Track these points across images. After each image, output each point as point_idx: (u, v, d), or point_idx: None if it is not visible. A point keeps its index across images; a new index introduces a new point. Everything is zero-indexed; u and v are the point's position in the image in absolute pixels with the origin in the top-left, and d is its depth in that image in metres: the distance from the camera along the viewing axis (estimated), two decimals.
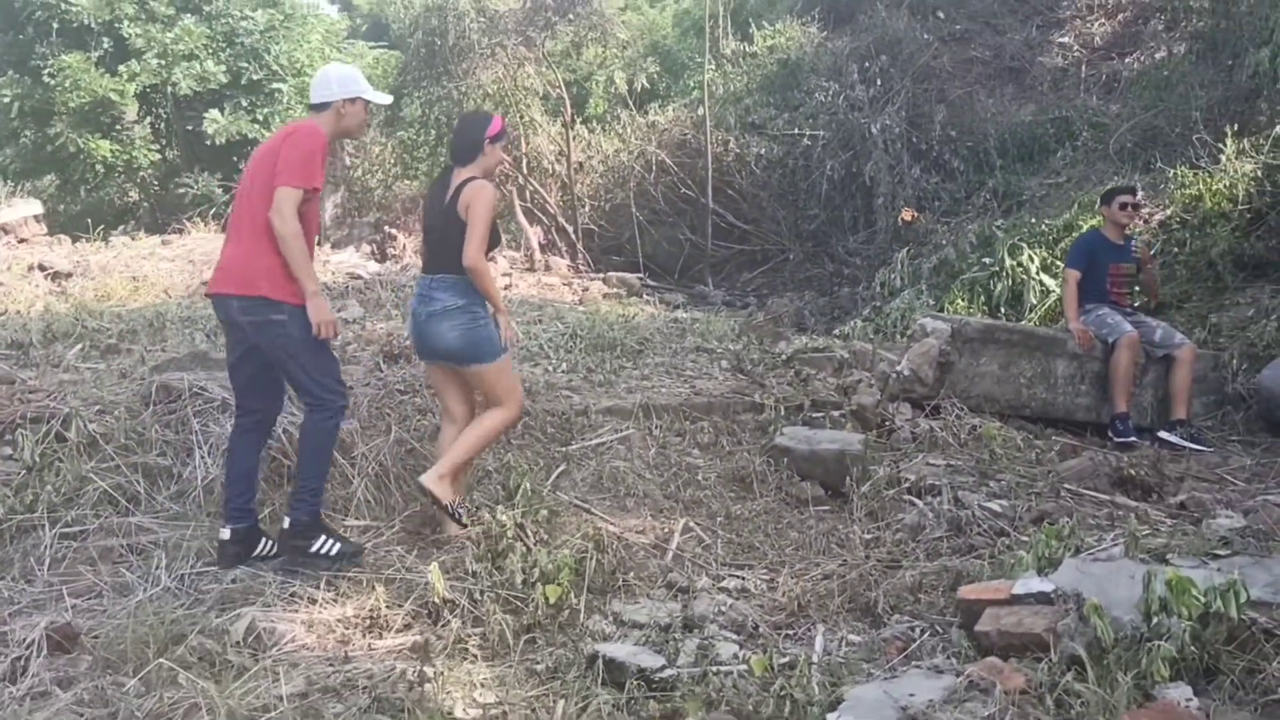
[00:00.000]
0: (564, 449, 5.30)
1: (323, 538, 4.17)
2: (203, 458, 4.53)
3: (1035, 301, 9.88)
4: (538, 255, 13.33)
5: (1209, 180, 10.39)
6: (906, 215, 11.74)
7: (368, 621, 3.71)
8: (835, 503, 5.17)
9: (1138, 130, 12.67)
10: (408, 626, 3.74)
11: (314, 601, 3.80)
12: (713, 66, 16.32)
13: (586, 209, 15.02)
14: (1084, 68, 15.48)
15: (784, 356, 6.98)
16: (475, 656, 3.60)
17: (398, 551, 4.28)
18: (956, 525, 4.75)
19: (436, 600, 3.80)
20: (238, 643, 3.45)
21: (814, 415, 5.96)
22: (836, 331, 11.01)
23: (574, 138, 15.14)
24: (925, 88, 14.69)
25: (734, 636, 3.81)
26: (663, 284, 14.67)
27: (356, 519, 4.55)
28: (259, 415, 4.35)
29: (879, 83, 14.55)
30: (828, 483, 5.25)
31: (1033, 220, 11.07)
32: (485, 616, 3.76)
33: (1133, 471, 5.40)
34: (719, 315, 9.31)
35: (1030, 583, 3.59)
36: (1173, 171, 10.86)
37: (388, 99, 4.96)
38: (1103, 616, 3.29)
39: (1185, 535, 4.52)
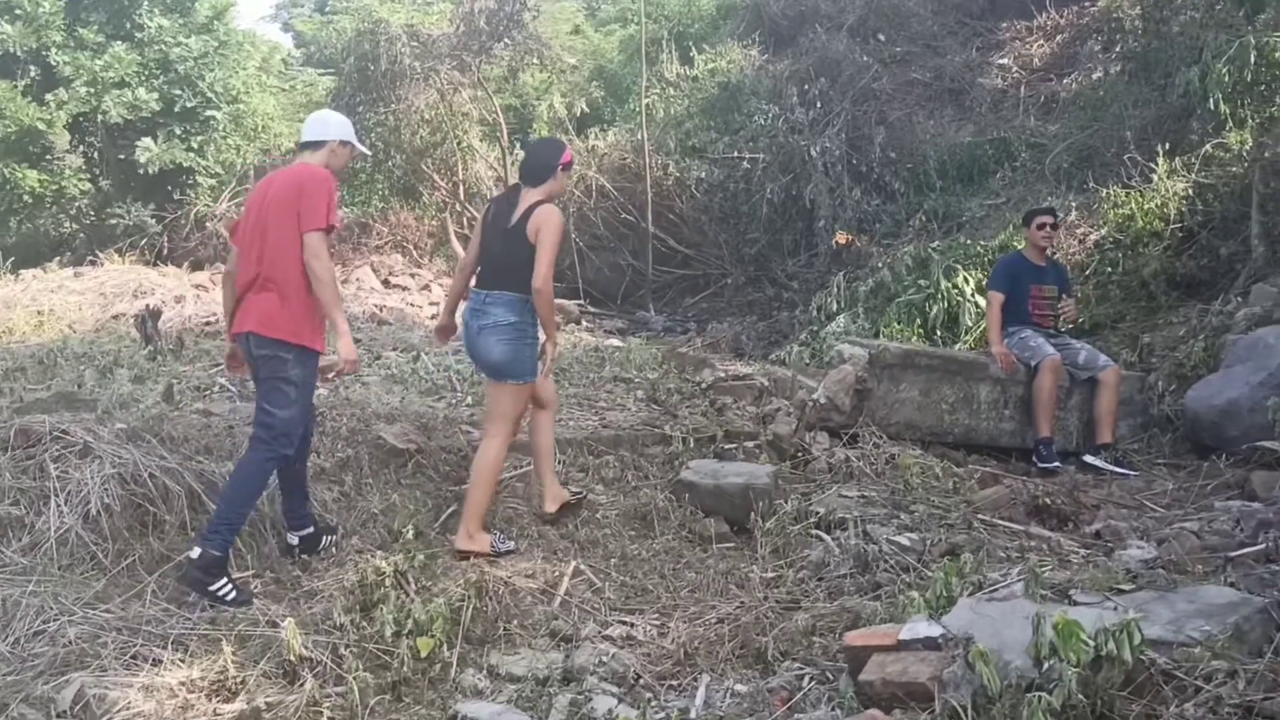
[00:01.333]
0: (457, 488, 5.06)
1: (224, 580, 4.16)
2: (59, 506, 4.25)
3: (971, 324, 9.77)
4: (472, 283, 13.09)
5: (1141, 200, 10.37)
6: (841, 238, 11.64)
7: (215, 684, 3.45)
8: (740, 540, 4.97)
9: (1074, 150, 12.67)
10: (261, 689, 3.48)
11: (157, 663, 3.54)
12: (656, 90, 16.22)
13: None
14: (1023, 89, 15.51)
15: (704, 385, 6.79)
16: None
17: (262, 605, 4.02)
18: (863, 561, 4.55)
19: (292, 659, 3.55)
20: (63, 713, 3.19)
21: (727, 446, 5.77)
22: (773, 356, 10.87)
23: (512, 163, 14.94)
24: (865, 110, 14.65)
25: (614, 689, 3.60)
26: (604, 310, 14.49)
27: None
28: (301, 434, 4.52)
29: (819, 105, 14.50)
30: (733, 519, 5.05)
31: (968, 242, 11.00)
32: (347, 674, 3.52)
33: (1048, 500, 5.24)
34: (647, 343, 9.12)
35: (918, 627, 3.40)
36: (1105, 191, 10.83)
37: (368, 152, 5.35)
38: (989, 663, 3.10)
39: (1096, 568, 4.37)
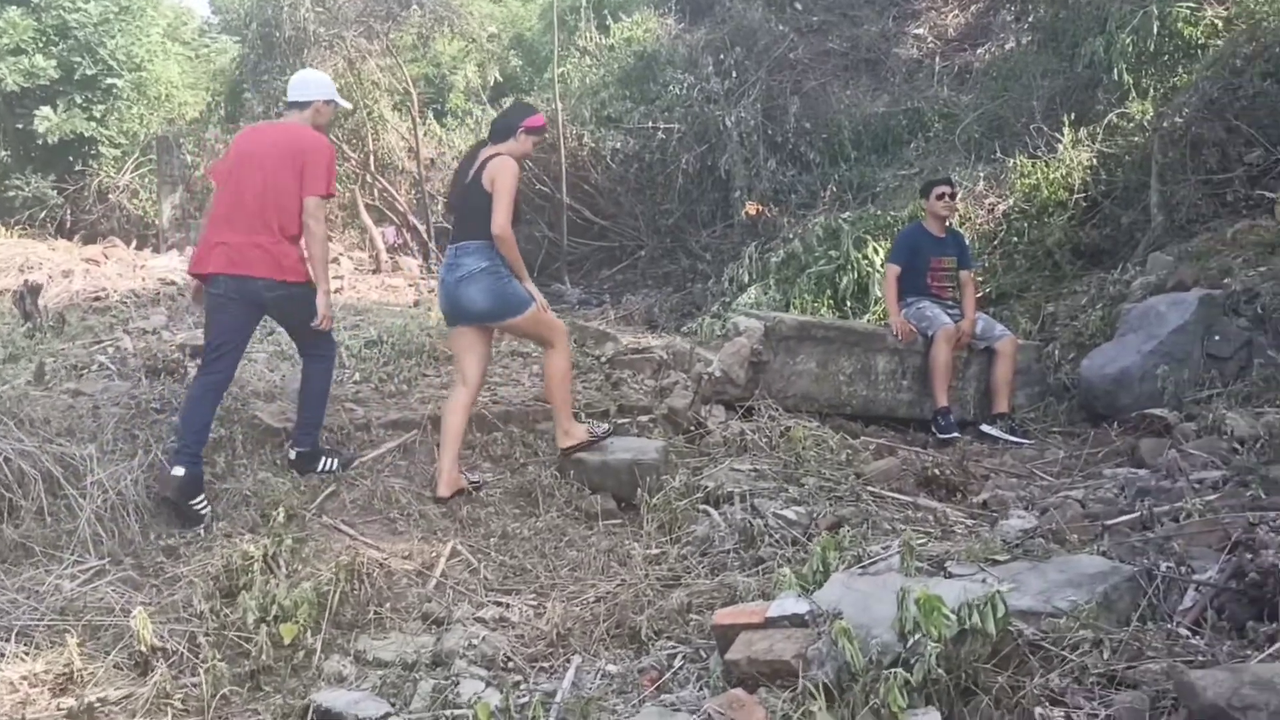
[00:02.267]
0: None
1: (323, 458, 4.94)
2: None
3: (880, 294, 9.79)
4: (384, 256, 12.85)
5: (1047, 170, 10.46)
6: (751, 209, 11.58)
7: (61, 678, 3.30)
8: (626, 516, 4.90)
9: (984, 121, 12.73)
10: (111, 681, 3.34)
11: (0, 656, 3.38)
12: (571, 60, 16.00)
13: (439, 207, 14.56)
14: (937, 59, 15.54)
15: (603, 359, 6.70)
16: (184, 712, 3.23)
17: (119, 593, 3.86)
18: (748, 536, 4.51)
19: (144, 649, 3.40)
20: None
21: (620, 421, 5.69)
22: (685, 329, 10.82)
23: (426, 134, 14.67)
24: (780, 80, 14.58)
25: (483, 673, 3.51)
26: None
27: (79, 558, 4.08)
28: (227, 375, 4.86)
29: (734, 75, 14.39)
30: (620, 495, 4.98)
31: (878, 213, 11.01)
32: (202, 664, 3.39)
33: (938, 471, 5.24)
34: (562, 316, 8.97)
35: (786, 603, 3.35)
36: (1013, 161, 10.91)
37: (349, 105, 5.78)
38: (852, 640, 3.07)
39: (976, 538, 4.37)
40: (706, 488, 5.01)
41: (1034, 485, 5.39)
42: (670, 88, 14.64)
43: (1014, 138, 11.79)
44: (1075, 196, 10.18)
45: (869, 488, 5.15)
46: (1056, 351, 7.78)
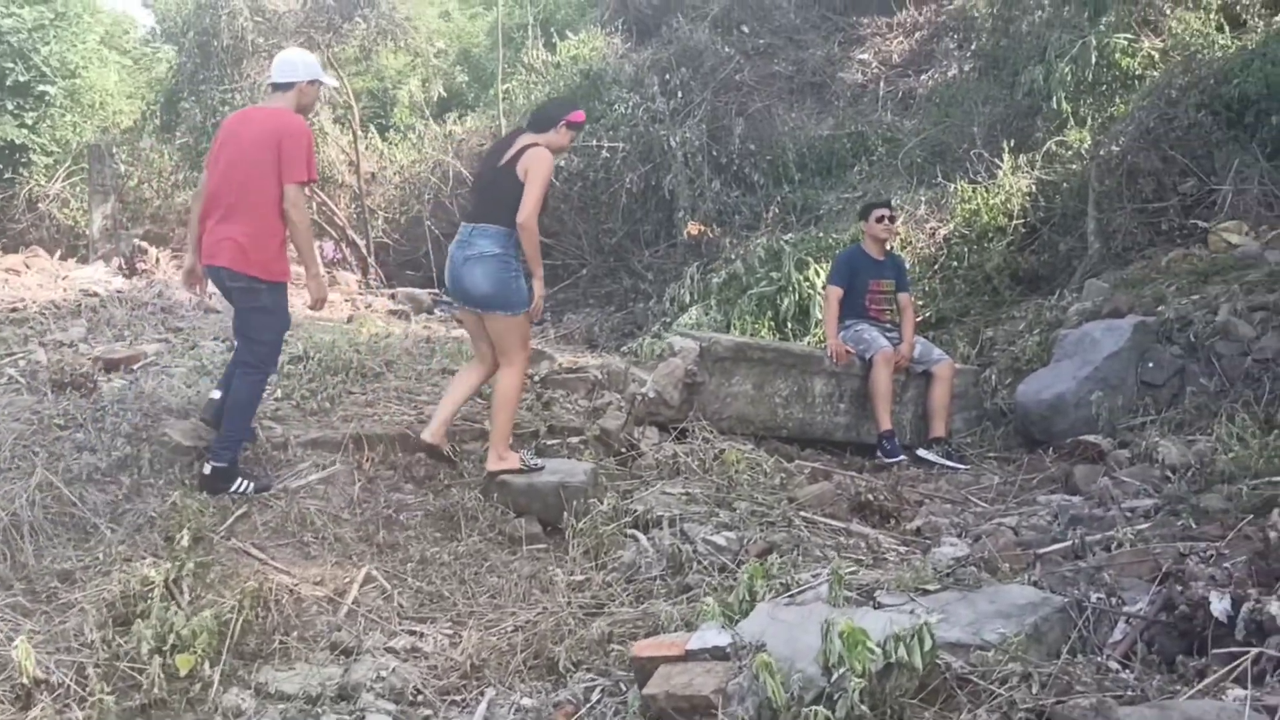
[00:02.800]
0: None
1: (239, 480, 4.70)
2: None
3: (821, 316, 9.75)
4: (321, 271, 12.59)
5: (987, 195, 10.51)
6: (693, 229, 11.51)
7: None
8: (552, 541, 4.75)
9: (927, 146, 12.81)
10: None
11: None
12: (516, 77, 15.89)
13: (380, 222, 14.35)
14: (882, 84, 15.65)
15: (536, 378, 6.55)
16: None
17: (6, 621, 3.64)
18: (676, 562, 4.38)
19: (26, 681, 3.20)
20: None
21: (550, 443, 5.54)
22: (625, 349, 10.71)
23: (367, 148, 14.46)
24: (726, 101, 14.57)
25: (390, 707, 3.35)
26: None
27: None
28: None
29: (680, 95, 14.36)
30: (546, 519, 4.83)
31: (820, 235, 11.00)
32: (89, 697, 3.18)
33: (871, 497, 5.16)
34: None
35: (707, 635, 3.23)
36: (953, 186, 10.95)
37: (335, 82, 5.60)
38: (774, 674, 2.95)
39: (909, 566, 4.28)
40: (635, 511, 4.87)
41: (968, 511, 5.33)
42: (615, 107, 14.56)
43: (955, 163, 11.87)
44: (1015, 222, 10.24)
45: (802, 513, 5.05)
46: (994, 376, 7.77)
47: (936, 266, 10.52)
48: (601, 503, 4.83)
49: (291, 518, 4.53)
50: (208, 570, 3.99)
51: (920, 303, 10.06)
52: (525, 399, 6.18)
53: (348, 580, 4.15)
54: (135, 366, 6.33)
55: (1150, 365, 6.76)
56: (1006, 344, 8.48)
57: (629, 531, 4.69)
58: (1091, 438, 6.29)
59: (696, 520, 4.83)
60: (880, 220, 7.00)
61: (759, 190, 13.80)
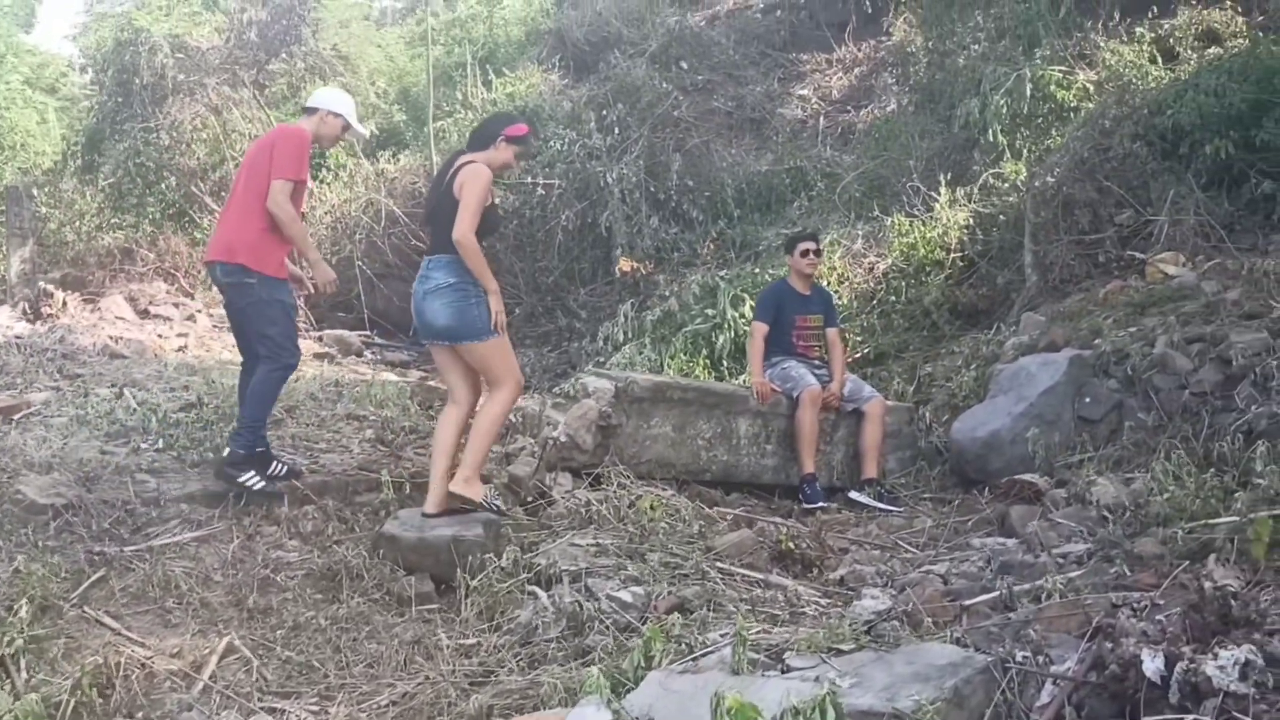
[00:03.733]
0: (106, 550, 4.28)
1: (250, 472, 4.85)
2: None
3: None
4: None
5: (924, 229, 10.33)
6: (625, 266, 11.23)
7: None
8: (445, 600, 4.38)
9: (865, 180, 12.66)
10: None
11: None
12: (450, 116, 15.62)
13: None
14: (821, 119, 15.56)
15: None
16: None
17: None
18: (577, 622, 4.03)
19: None
20: None
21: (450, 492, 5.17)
22: (556, 390, 10.36)
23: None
24: (663, 137, 14.37)
25: None
26: (393, 342, 13.75)
27: None
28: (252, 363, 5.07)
29: (617, 131, 14.15)
30: (439, 576, 4.46)
31: (756, 270, 10.76)
32: None
33: (792, 545, 4.84)
34: (406, 376, 8.47)
35: (585, 712, 2.89)
36: (890, 220, 10.77)
37: (365, 132, 5.59)
38: None
39: (827, 622, 3.96)
40: (539, 566, 4.52)
41: (896, 558, 5.03)
42: (552, 143, 14.32)
43: (893, 197, 11.71)
44: (952, 256, 10.07)
45: (719, 563, 4.72)
46: (929, 414, 7.51)
47: (875, 301, 10.31)
48: (502, 557, 4.47)
49: (154, 581, 4.12)
50: (52, 643, 3.58)
51: (858, 338, 9.84)
52: None
53: (208, 651, 3.75)
54: (16, 416, 5.91)
55: (1087, 400, 6.53)
56: (945, 380, 8.25)
57: (529, 588, 4.33)
58: (1028, 477, 6.03)
59: (603, 574, 4.48)
60: (805, 254, 6.74)
61: (697, 226, 13.58)
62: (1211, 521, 4.21)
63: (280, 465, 5.04)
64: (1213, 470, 5.01)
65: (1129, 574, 3.92)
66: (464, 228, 4.65)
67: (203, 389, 6.40)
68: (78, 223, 14.28)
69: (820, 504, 6.22)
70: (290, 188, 4.87)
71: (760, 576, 4.61)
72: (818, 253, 6.81)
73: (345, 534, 4.74)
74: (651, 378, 6.16)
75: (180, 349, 9.32)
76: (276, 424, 5.93)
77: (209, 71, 12.37)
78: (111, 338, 8.80)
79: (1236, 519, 4.13)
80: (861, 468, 6.54)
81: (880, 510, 6.22)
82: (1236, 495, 4.48)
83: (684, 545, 4.91)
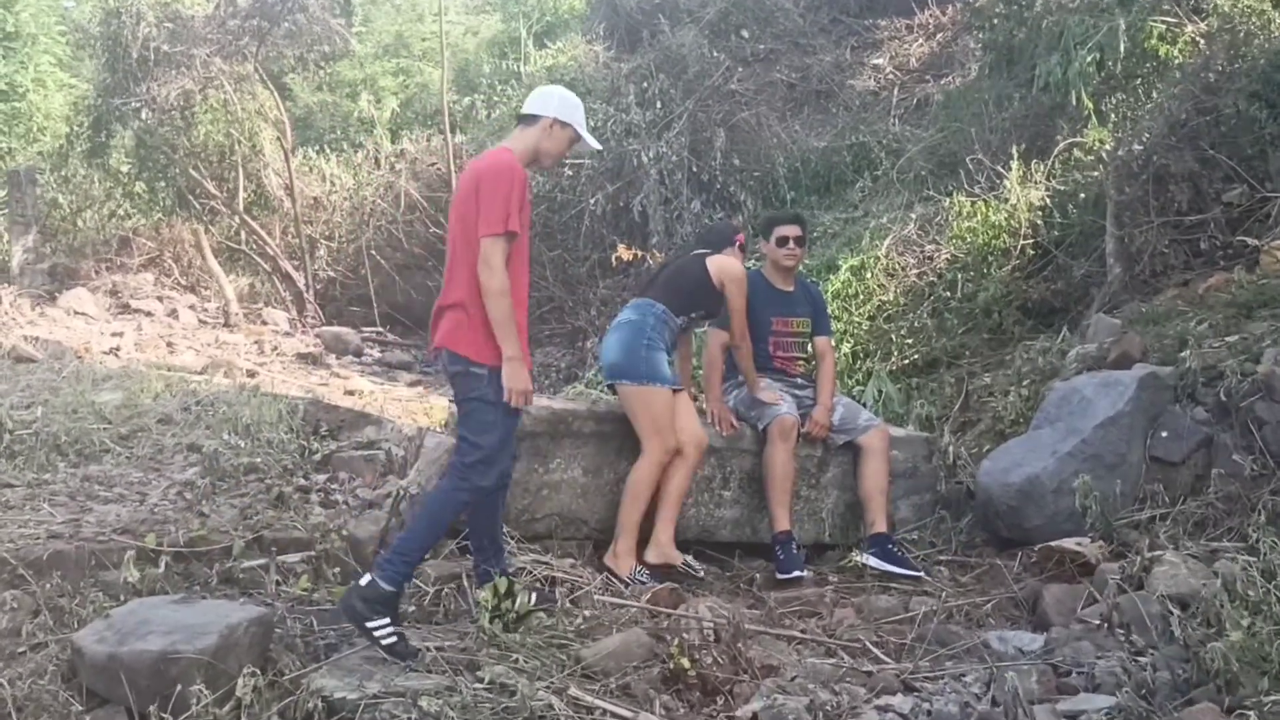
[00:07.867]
0: None
1: (386, 620, 3.53)
2: None
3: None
4: (234, 308, 11.09)
5: (987, 211, 8.63)
6: (623, 253, 9.76)
7: None
8: None
9: (933, 156, 10.96)
10: None
11: None
12: (482, 95, 14.41)
13: (323, 252, 12.86)
14: (896, 91, 13.84)
15: (317, 456, 4.87)
16: None
17: None
18: None
19: None
20: None
21: (247, 565, 3.82)
22: (563, 392, 9.05)
23: (309, 168, 13.01)
24: (710, 112, 12.85)
25: None
26: (408, 340, 12.58)
27: None
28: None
29: (659, 105, 12.69)
30: (144, 710, 3.09)
31: (808, 260, 9.20)
32: None
33: (687, 663, 3.33)
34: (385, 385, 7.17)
35: None
36: (948, 200, 9.09)
37: (596, 145, 4.43)
38: None
39: None
40: (322, 691, 3.14)
41: (848, 679, 3.48)
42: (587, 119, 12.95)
43: (966, 175, 10.01)
44: (1022, 243, 8.34)
45: (582, 687, 3.26)
46: (966, 443, 5.90)
47: (930, 298, 8.64)
48: (253, 680, 3.09)
49: None
50: None
51: (907, 340, 8.21)
52: (282, 486, 4.49)
53: None
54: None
55: (1164, 435, 4.86)
56: (1002, 394, 6.64)
57: None
58: (1072, 543, 4.42)
59: (406, 704, 3.08)
60: (784, 242, 5.15)
61: (744, 210, 12.05)
62: None
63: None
64: None
65: None
66: (736, 336, 4.84)
67: (78, 403, 5.20)
68: (88, 210, 13.49)
69: (797, 573, 4.68)
70: (504, 244, 3.74)
71: (630, 715, 3.13)
72: (800, 241, 5.18)
73: (62, 632, 3.39)
74: (548, 404, 4.67)
75: (112, 350, 8.20)
76: (93, 458, 4.66)
77: (197, 41, 11.27)
78: (27, 337, 7.72)
79: None
80: (865, 519, 4.96)
81: (898, 574, 4.68)
82: None
83: (542, 653, 3.46)
